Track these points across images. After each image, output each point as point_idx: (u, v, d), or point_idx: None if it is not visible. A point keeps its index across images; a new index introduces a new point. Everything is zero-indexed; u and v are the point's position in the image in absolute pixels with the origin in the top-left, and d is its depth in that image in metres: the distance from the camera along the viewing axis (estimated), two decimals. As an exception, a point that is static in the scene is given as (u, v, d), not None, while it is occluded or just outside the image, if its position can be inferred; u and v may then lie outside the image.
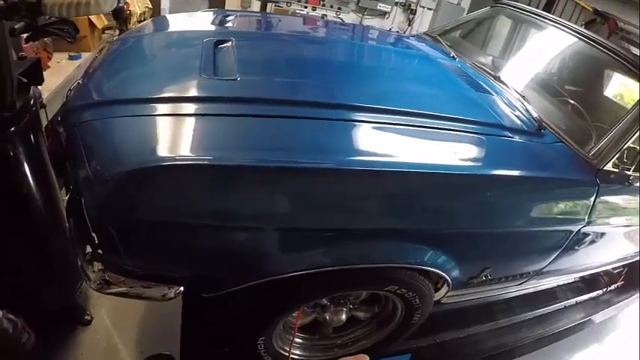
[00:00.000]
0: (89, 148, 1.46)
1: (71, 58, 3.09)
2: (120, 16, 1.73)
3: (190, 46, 2.08)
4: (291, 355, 2.02)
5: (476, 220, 1.79)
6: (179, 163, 1.37)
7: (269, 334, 1.89)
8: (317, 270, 1.59)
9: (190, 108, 1.62)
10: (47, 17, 1.47)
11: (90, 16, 3.67)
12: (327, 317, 2.04)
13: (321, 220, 1.53)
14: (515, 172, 1.81)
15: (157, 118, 1.55)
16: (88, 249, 1.49)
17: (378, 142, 1.73)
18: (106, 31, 3.67)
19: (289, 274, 1.57)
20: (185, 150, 1.47)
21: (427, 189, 1.65)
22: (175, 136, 1.52)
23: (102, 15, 3.79)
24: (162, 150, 1.43)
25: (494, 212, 1.81)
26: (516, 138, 2.00)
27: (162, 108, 1.59)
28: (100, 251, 1.43)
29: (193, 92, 1.72)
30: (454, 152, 1.79)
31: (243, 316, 1.83)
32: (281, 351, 2.01)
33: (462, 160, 1.77)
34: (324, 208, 1.52)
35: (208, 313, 1.99)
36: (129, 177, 1.32)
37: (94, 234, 1.40)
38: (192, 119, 1.58)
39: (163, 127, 1.53)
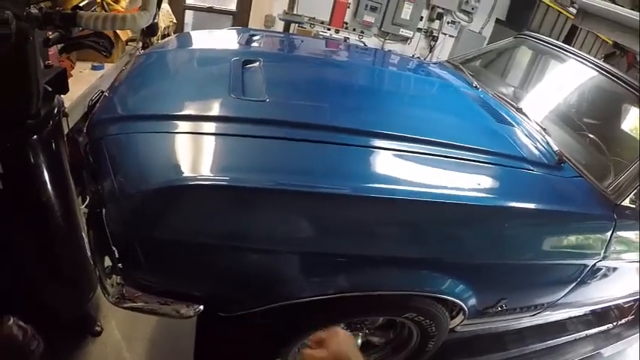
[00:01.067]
0: (115, 162, 1.48)
1: (94, 68, 3.11)
2: (154, 32, 1.75)
3: (218, 64, 2.12)
4: (305, 378, 2.02)
5: (494, 251, 1.80)
6: (204, 183, 1.39)
7: (284, 355, 1.89)
8: (335, 295, 1.60)
9: (218, 127, 1.64)
10: (81, 29, 1.49)
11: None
12: (343, 341, 2.03)
13: (339, 245, 1.54)
14: (534, 205, 1.82)
15: (185, 135, 1.58)
16: (107, 262, 1.51)
17: (398, 170, 1.75)
18: (129, 43, 3.71)
19: (307, 299, 1.58)
20: (211, 170, 1.49)
21: (446, 219, 1.67)
22: (202, 155, 1.55)
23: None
24: (189, 169, 1.45)
25: (511, 244, 1.82)
26: (536, 171, 2.02)
27: (189, 126, 1.61)
28: (120, 265, 1.44)
29: (222, 111, 1.75)
30: (474, 183, 1.81)
31: (259, 337, 1.84)
32: (295, 372, 2.01)
33: (482, 191, 1.79)
34: (343, 233, 1.53)
35: (224, 332, 1.99)
36: (155, 194, 1.35)
37: (114, 247, 1.41)
38: (219, 139, 1.61)
39: (191, 146, 1.56)
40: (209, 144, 1.59)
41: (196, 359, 2.09)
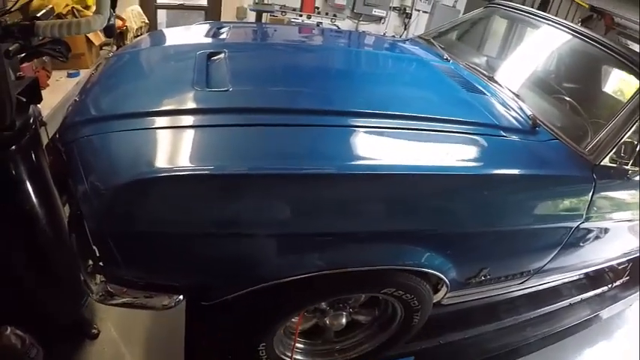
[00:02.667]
0: (86, 163, 1.48)
1: (70, 75, 3.12)
2: (111, 33, 1.74)
3: (184, 60, 2.10)
4: (294, 361, 2.02)
5: (472, 219, 1.78)
6: (174, 173, 1.38)
7: (270, 339, 1.89)
8: (314, 274, 1.59)
9: (183, 120, 1.63)
10: (41, 38, 1.49)
11: (87, 34, 3.72)
12: (328, 322, 2.03)
13: (317, 224, 1.53)
14: (511, 171, 1.80)
15: (151, 131, 1.57)
16: (90, 262, 1.52)
17: (374, 146, 1.74)
18: (103, 48, 3.70)
19: (286, 279, 1.57)
20: (179, 161, 1.49)
21: (422, 190, 1.65)
22: (169, 147, 1.54)
23: (99, 32, 3.83)
24: (157, 161, 1.45)
25: (490, 211, 1.80)
26: (511, 137, 2.00)
27: (155, 121, 1.61)
28: (100, 263, 1.46)
29: (186, 105, 1.73)
30: (448, 153, 1.80)
31: (244, 322, 1.83)
32: (283, 356, 2.01)
33: (457, 160, 1.78)
34: (321, 212, 1.53)
35: (210, 321, 2.00)
36: (125, 189, 1.34)
37: (94, 247, 1.42)
38: (186, 131, 1.59)
39: (157, 140, 1.55)
40: (174, 136, 1.57)
41: (187, 350, 2.09)
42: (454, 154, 1.81)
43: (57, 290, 2.06)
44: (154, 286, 1.56)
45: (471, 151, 1.88)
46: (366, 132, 1.77)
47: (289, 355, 2.00)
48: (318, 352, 2.16)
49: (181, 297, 1.59)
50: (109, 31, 1.65)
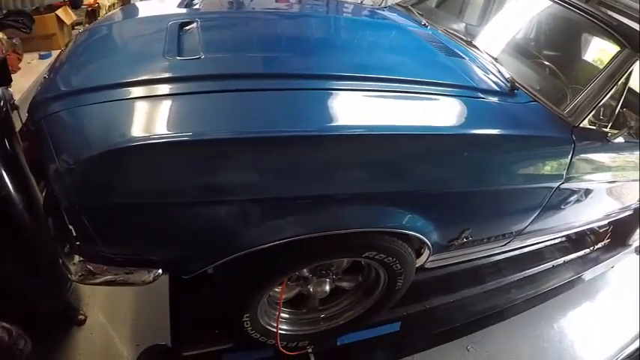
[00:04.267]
0: (56, 139, 1.40)
1: (41, 57, 3.00)
2: (77, 4, 1.67)
3: (155, 31, 2.00)
4: (279, 331, 1.97)
5: (453, 180, 1.74)
6: (145, 142, 1.30)
7: (253, 310, 1.84)
8: (292, 239, 1.54)
9: (154, 90, 1.54)
10: (4, 11, 1.42)
11: (58, 13, 3.58)
12: (311, 289, 1.99)
13: (296, 187, 1.48)
14: (490, 131, 1.75)
15: (122, 102, 1.48)
16: (68, 244, 1.48)
17: (353, 108, 1.67)
18: (75, 27, 3.57)
19: (264, 246, 1.53)
20: (153, 129, 1.41)
21: (402, 151, 1.61)
22: (142, 117, 1.45)
23: (69, 10, 3.70)
24: (130, 131, 1.37)
25: (471, 172, 1.76)
26: (489, 99, 1.94)
27: (126, 92, 1.51)
28: (77, 243, 1.41)
29: (157, 74, 1.63)
30: (427, 115, 1.75)
31: (225, 293, 1.79)
32: (268, 327, 1.96)
33: (436, 121, 1.73)
34: (300, 175, 1.48)
35: (192, 294, 1.97)
36: (97, 161, 1.27)
37: (70, 226, 1.37)
38: (157, 100, 1.51)
39: (128, 110, 1.46)
40: (144, 106, 1.48)
41: (172, 325, 2.05)
42: (432, 115, 1.76)
43: (40, 278, 2.03)
44: (132, 262, 1.51)
45: (450, 112, 1.83)
46: (344, 95, 1.71)
47: (274, 325, 1.96)
48: (304, 320, 2.13)
49: (160, 271, 1.55)
50: (75, 3, 1.58)
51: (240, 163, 1.41)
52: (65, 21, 3.17)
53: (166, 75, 1.62)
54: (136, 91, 1.52)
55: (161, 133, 1.37)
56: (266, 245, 1.53)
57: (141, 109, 1.47)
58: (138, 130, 1.38)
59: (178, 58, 1.72)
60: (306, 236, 1.55)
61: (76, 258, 1.48)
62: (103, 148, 1.27)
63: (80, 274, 1.48)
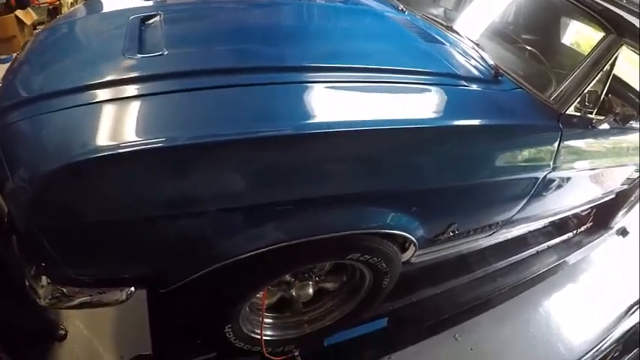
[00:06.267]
0: (11, 154, 1.21)
1: (2, 61, 2.77)
2: (24, 4, 1.47)
3: (116, 27, 1.78)
4: (264, 337, 1.84)
5: (437, 174, 1.61)
6: (109, 153, 1.12)
7: (235, 320, 1.70)
8: (272, 248, 1.40)
9: (113, 92, 1.34)
10: None
11: (17, 14, 3.33)
12: (294, 293, 1.86)
13: (273, 193, 1.33)
14: (474, 122, 1.62)
15: (78, 108, 1.27)
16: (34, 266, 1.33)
17: (329, 103, 1.51)
18: (37, 27, 3.33)
19: (242, 257, 1.39)
20: (114, 138, 1.20)
21: (383, 147, 1.46)
22: (101, 124, 1.24)
23: (30, 10, 3.45)
24: (86, 142, 1.17)
25: (455, 165, 1.63)
26: (472, 86, 1.80)
27: (82, 97, 1.30)
28: (42, 264, 1.28)
29: (114, 75, 1.43)
30: (407, 106, 1.60)
31: (204, 306, 1.65)
32: (252, 334, 1.82)
33: (416, 113, 1.58)
34: (277, 179, 1.32)
35: (170, 307, 1.81)
36: (53, 177, 1.10)
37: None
38: (118, 104, 1.30)
39: (86, 118, 1.26)
40: (105, 112, 1.28)
41: (152, 337, 1.89)
42: (413, 106, 1.61)
43: (15, 295, 1.86)
44: (102, 282, 1.38)
45: (432, 103, 1.69)
46: (320, 88, 1.54)
47: (258, 332, 1.82)
48: (288, 324, 1.99)
49: (132, 289, 1.42)
50: (20, 3, 1.37)
51: (215, 170, 1.25)
52: (25, 21, 2.94)
53: (125, 76, 1.42)
54: (91, 96, 1.31)
55: (126, 141, 1.17)
56: (244, 255, 1.39)
57: (98, 115, 1.27)
58: (98, 139, 1.18)
59: (139, 55, 1.53)
60: (287, 243, 1.41)
61: (44, 280, 1.33)
62: (60, 163, 1.10)
63: (49, 297, 1.34)
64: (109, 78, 1.40)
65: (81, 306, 1.38)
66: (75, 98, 1.30)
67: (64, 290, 1.34)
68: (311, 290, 1.84)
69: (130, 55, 1.52)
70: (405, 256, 1.91)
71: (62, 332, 2.27)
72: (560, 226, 3.28)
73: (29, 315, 2.07)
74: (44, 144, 1.20)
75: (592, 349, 2.51)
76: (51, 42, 1.83)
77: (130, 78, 1.40)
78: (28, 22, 3.01)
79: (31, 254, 1.31)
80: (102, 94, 1.33)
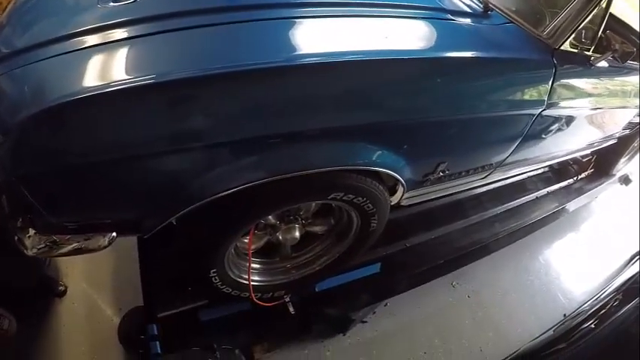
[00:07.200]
0: None
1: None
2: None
3: None
4: (252, 282, 1.80)
5: (425, 109, 1.54)
6: (88, 94, 1.08)
7: (220, 264, 1.66)
8: (251, 185, 1.34)
9: (87, 41, 1.27)
10: None
11: None
12: (280, 237, 1.81)
13: (255, 127, 1.27)
14: (462, 54, 1.53)
15: (52, 59, 1.23)
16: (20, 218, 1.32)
17: (316, 37, 1.43)
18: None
19: (219, 196, 1.34)
20: (92, 81, 1.16)
21: (369, 79, 1.38)
22: (79, 70, 1.19)
23: None
24: (63, 87, 1.13)
25: (444, 99, 1.56)
26: (460, 20, 1.70)
27: (56, 48, 1.26)
28: (27, 215, 1.29)
29: (90, 25, 1.34)
30: (395, 38, 1.50)
31: (187, 249, 1.62)
32: (239, 280, 1.79)
33: (404, 45, 1.50)
34: (259, 113, 1.26)
35: (159, 253, 1.82)
36: (30, 124, 1.08)
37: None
38: (93, 51, 1.24)
39: (64, 66, 1.22)
40: (82, 59, 1.22)
41: (143, 286, 1.90)
42: (400, 38, 1.52)
43: (13, 255, 1.85)
44: (85, 228, 1.35)
45: (419, 36, 1.59)
46: (305, 22, 1.46)
47: (246, 277, 1.78)
48: (277, 270, 1.96)
49: (114, 234, 1.38)
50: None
51: (203, 105, 1.20)
52: None
53: (98, 24, 1.33)
54: (65, 46, 1.26)
55: (100, 83, 1.13)
56: (223, 194, 1.34)
57: (76, 62, 1.22)
58: (75, 84, 1.14)
59: (112, 4, 1.44)
60: (266, 180, 1.36)
61: (31, 231, 1.31)
62: (36, 109, 1.07)
63: (37, 248, 1.32)
64: (82, 28, 1.32)
65: (67, 254, 1.37)
66: (50, 49, 1.25)
67: (52, 239, 1.33)
68: (297, 233, 1.80)
69: (104, 4, 1.44)
70: (395, 199, 1.85)
71: (62, 288, 2.30)
72: (560, 173, 3.21)
73: (28, 272, 2.10)
74: (23, 94, 1.18)
75: (591, 298, 2.47)
76: (30, 1, 1.76)
77: (103, 26, 1.32)
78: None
79: (15, 206, 1.29)
80: (75, 43, 1.27)
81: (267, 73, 1.23)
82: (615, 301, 2.25)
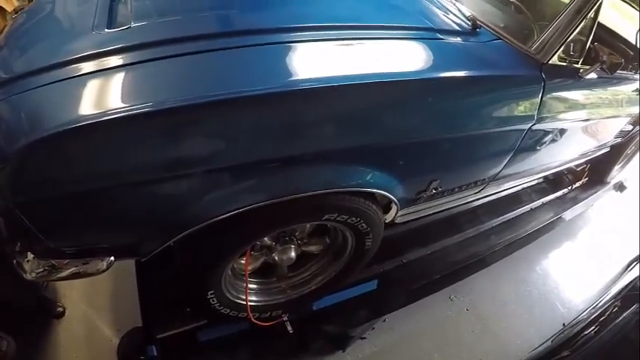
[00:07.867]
0: None
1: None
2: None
3: (89, 5, 1.72)
4: (250, 303, 1.80)
5: (416, 129, 1.54)
6: (86, 123, 1.09)
7: (217, 285, 1.66)
8: (246, 209, 1.35)
9: (87, 67, 1.28)
10: None
11: None
12: (277, 257, 1.81)
13: (252, 152, 1.28)
14: (452, 74, 1.54)
15: (53, 85, 1.23)
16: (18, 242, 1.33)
17: (309, 61, 1.44)
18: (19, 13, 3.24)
19: (215, 220, 1.34)
20: (88, 109, 1.16)
21: (361, 102, 1.39)
22: (75, 98, 1.20)
23: None
24: (60, 115, 1.14)
25: (435, 119, 1.57)
26: (449, 39, 1.72)
27: (57, 74, 1.26)
28: (25, 239, 1.30)
29: (87, 50, 1.35)
30: (385, 60, 1.51)
31: (184, 272, 1.62)
32: (237, 300, 1.79)
33: (394, 67, 1.50)
34: (254, 138, 1.27)
35: (156, 275, 1.82)
36: (26, 153, 1.08)
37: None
38: (93, 77, 1.25)
39: (61, 93, 1.22)
40: (77, 86, 1.23)
41: (141, 308, 1.90)
42: (390, 60, 1.52)
43: (12, 276, 1.86)
44: (83, 252, 1.35)
45: (409, 57, 1.59)
46: (296, 47, 1.46)
47: (243, 298, 1.78)
48: (274, 289, 1.95)
49: (112, 258, 1.38)
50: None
51: (199, 132, 1.21)
52: (6, 8, 2.82)
53: (92, 51, 1.34)
54: (59, 74, 1.26)
55: (97, 111, 1.14)
56: (219, 218, 1.34)
57: (71, 90, 1.22)
58: (70, 112, 1.15)
59: (107, 30, 1.46)
60: (259, 204, 1.36)
61: (29, 255, 1.32)
62: (33, 137, 1.07)
63: (36, 272, 1.33)
64: (78, 55, 1.33)
65: (66, 278, 1.37)
66: (46, 76, 1.26)
67: (50, 263, 1.33)
68: (293, 254, 1.80)
69: (98, 31, 1.45)
70: (389, 217, 1.85)
71: (60, 309, 2.29)
72: (554, 183, 3.21)
73: (27, 294, 2.10)
74: (20, 122, 1.18)
75: (590, 306, 2.46)
76: (26, 25, 1.77)
77: (98, 53, 1.33)
78: (9, 8, 2.89)
79: (14, 230, 1.30)
80: (71, 70, 1.27)
81: (262, 99, 1.23)
82: (614, 308, 2.24)
